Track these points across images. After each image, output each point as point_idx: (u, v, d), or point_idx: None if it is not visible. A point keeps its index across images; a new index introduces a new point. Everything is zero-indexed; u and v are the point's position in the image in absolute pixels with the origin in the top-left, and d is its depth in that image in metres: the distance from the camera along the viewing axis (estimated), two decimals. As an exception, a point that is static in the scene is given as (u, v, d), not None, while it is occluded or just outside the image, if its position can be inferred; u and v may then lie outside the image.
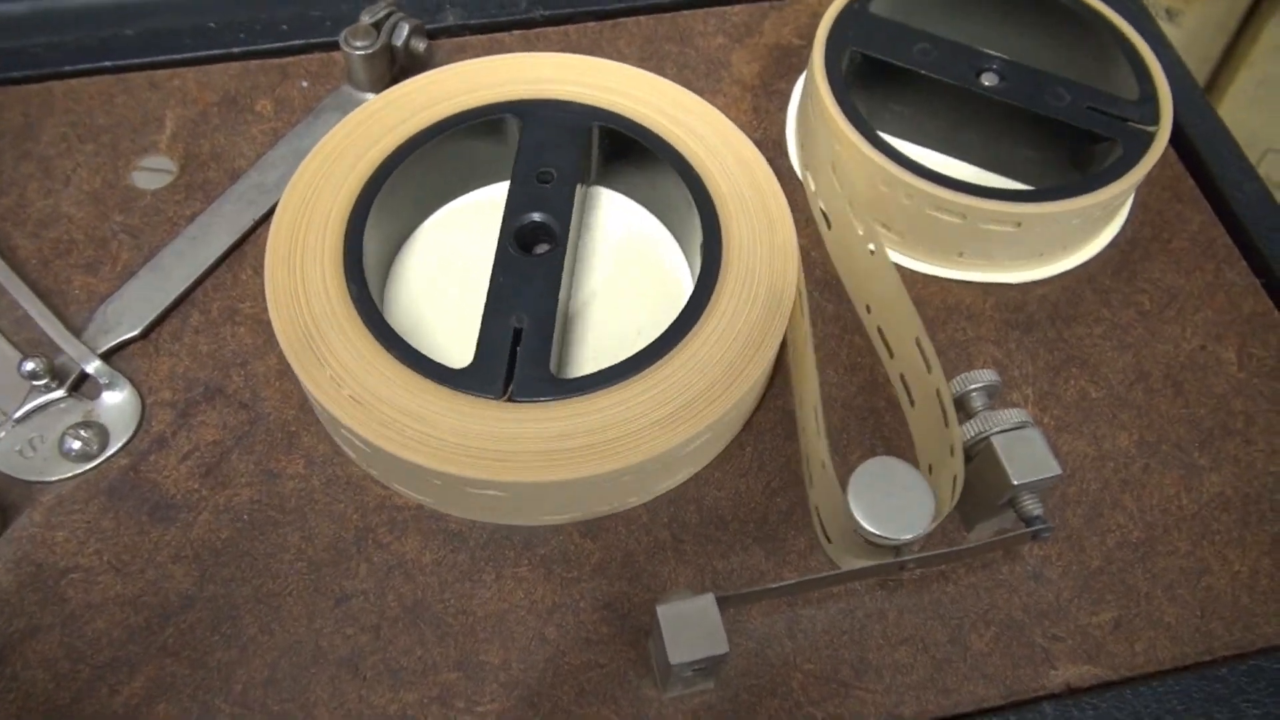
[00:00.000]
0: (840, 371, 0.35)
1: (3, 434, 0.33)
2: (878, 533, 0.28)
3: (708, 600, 0.27)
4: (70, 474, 0.32)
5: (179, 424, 0.34)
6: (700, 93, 0.42)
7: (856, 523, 0.29)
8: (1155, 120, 0.37)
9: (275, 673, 0.29)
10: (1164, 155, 0.41)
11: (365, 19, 0.40)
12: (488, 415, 0.30)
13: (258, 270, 0.37)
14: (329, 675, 0.29)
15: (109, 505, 0.32)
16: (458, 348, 0.35)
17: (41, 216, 0.38)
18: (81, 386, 0.34)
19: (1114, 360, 0.36)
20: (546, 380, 0.31)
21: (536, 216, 0.34)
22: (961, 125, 0.39)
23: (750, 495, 0.33)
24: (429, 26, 0.43)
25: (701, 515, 0.33)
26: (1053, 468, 0.29)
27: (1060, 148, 0.38)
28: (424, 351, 0.32)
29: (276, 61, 0.42)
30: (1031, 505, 0.30)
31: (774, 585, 0.28)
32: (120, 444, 0.33)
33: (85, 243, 0.37)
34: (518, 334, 0.32)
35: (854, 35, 0.39)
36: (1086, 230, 0.38)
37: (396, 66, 0.42)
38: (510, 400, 0.31)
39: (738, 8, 0.45)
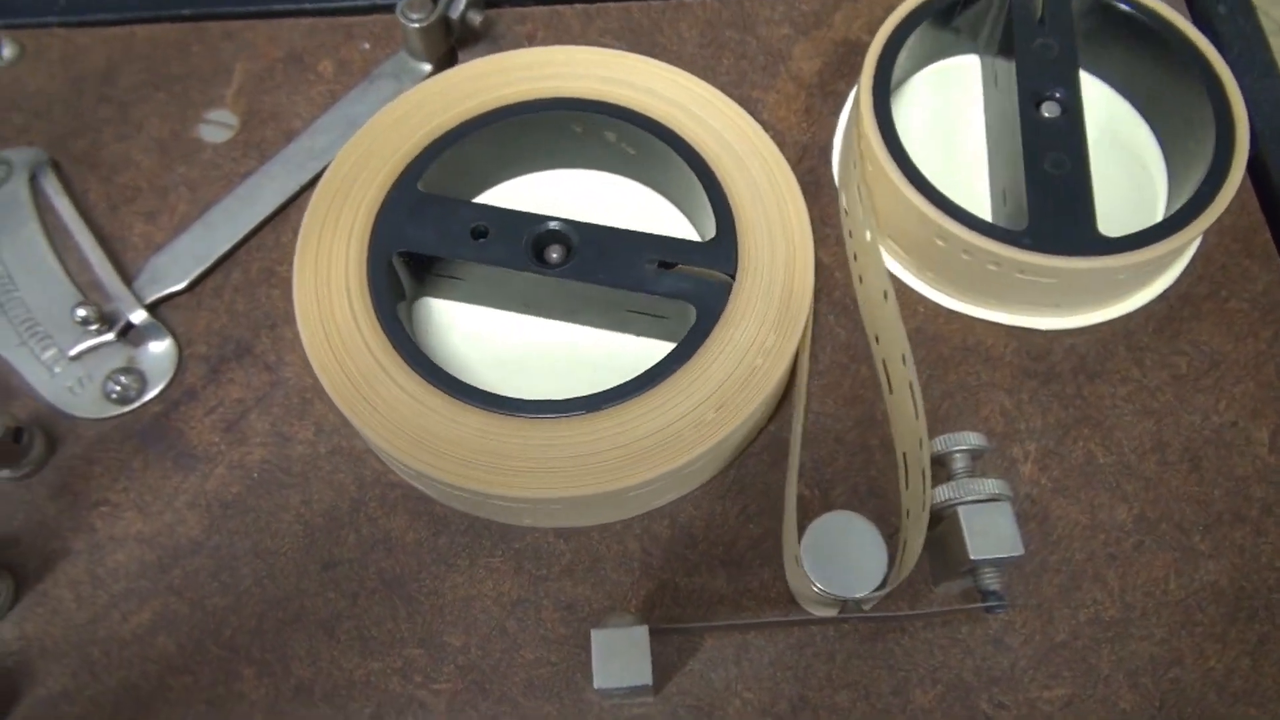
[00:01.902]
0: (839, 403, 0.35)
1: (59, 370, 0.36)
2: (821, 587, 0.29)
3: (641, 631, 0.28)
4: (110, 415, 0.36)
5: (209, 378, 0.36)
6: (753, 87, 0.41)
7: (804, 573, 0.29)
8: (1226, 166, 0.34)
9: (262, 624, 0.32)
10: (1239, 200, 0.38)
11: (426, -12, 0.40)
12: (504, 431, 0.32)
13: (296, 234, 0.39)
14: (307, 634, 0.32)
15: (140, 448, 0.35)
16: (479, 357, 0.36)
17: (114, 161, 0.41)
18: (129, 334, 0.37)
19: (1132, 425, 0.35)
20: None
21: (554, 225, 0.35)
22: (997, 139, 0.38)
23: (725, 518, 0.34)
24: (492, -6, 0.43)
25: (674, 531, 0.33)
26: (1014, 548, 0.29)
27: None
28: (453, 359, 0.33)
29: (344, 20, 0.43)
30: (990, 580, 0.29)
31: (711, 624, 0.29)
32: (156, 391, 0.36)
33: (149, 191, 0.40)
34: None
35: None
36: (1134, 282, 0.36)
37: (454, 37, 0.42)
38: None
39: (811, -6, 0.44)
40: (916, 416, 0.32)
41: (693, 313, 0.33)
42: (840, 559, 0.29)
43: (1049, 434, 0.35)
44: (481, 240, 0.34)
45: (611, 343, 0.36)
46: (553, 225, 0.35)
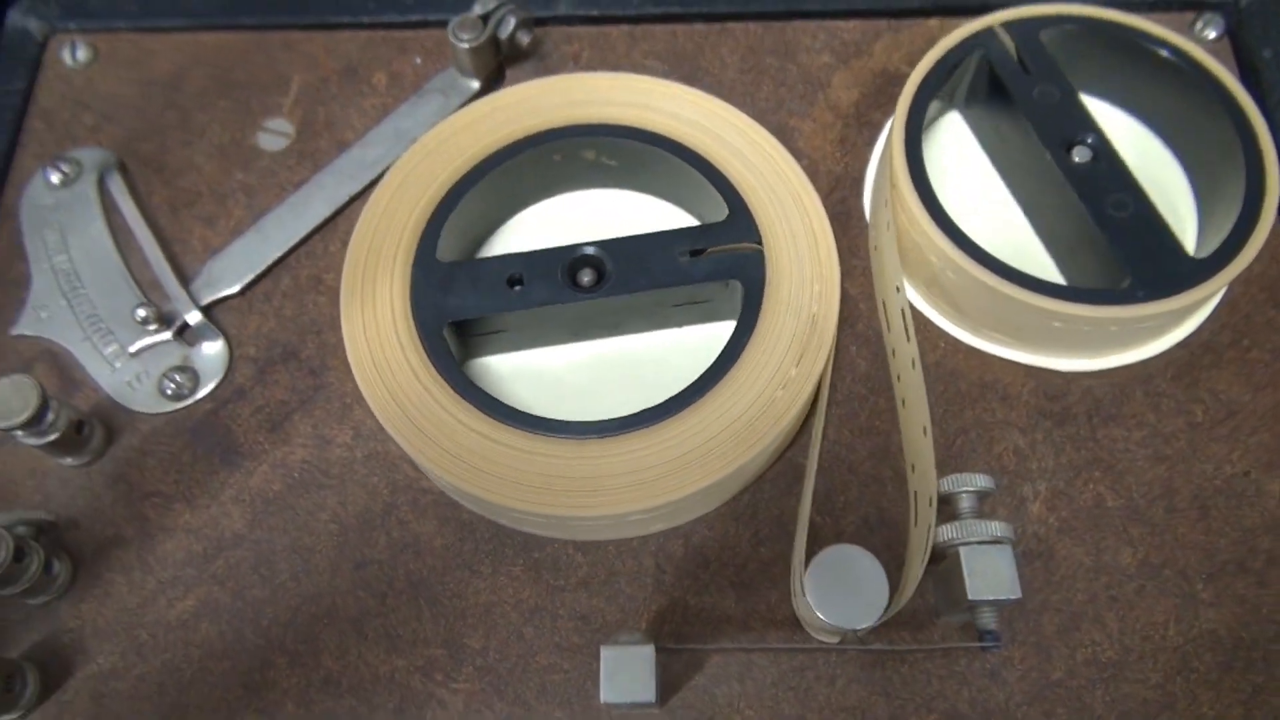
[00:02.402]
0: (855, 433, 0.36)
1: (119, 365, 0.39)
2: (823, 616, 0.30)
3: (648, 651, 0.30)
4: (164, 410, 0.38)
5: (257, 379, 0.38)
6: (790, 115, 0.42)
7: (807, 603, 0.30)
8: (1256, 215, 0.35)
9: (296, 616, 0.35)
10: (1269, 249, 0.38)
11: (477, 9, 0.42)
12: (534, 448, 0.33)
13: (344, 244, 0.41)
14: (338, 629, 0.34)
15: (190, 443, 0.37)
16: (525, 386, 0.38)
17: (177, 165, 0.43)
18: (184, 333, 0.39)
19: (1144, 471, 0.35)
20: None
21: (586, 250, 0.36)
22: (1037, 192, 0.38)
23: (737, 541, 0.35)
24: (541, 14, 0.45)
25: (687, 551, 0.35)
26: (1012, 591, 0.30)
27: (1089, 252, 0.36)
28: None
29: (398, 34, 0.45)
30: (987, 618, 0.30)
31: (717, 646, 0.31)
32: (208, 389, 0.38)
33: (208, 196, 0.42)
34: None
35: (996, 41, 0.38)
36: (1156, 329, 0.36)
37: (502, 55, 0.43)
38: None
39: (852, 24, 0.44)
40: (922, 462, 0.33)
41: (739, 287, 0.35)
42: (843, 590, 0.30)
43: (1060, 474, 0.35)
44: (519, 287, 0.36)
45: (654, 343, 0.38)
46: (585, 251, 0.36)
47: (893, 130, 0.37)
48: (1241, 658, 0.33)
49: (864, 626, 0.30)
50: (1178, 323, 0.37)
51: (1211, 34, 0.43)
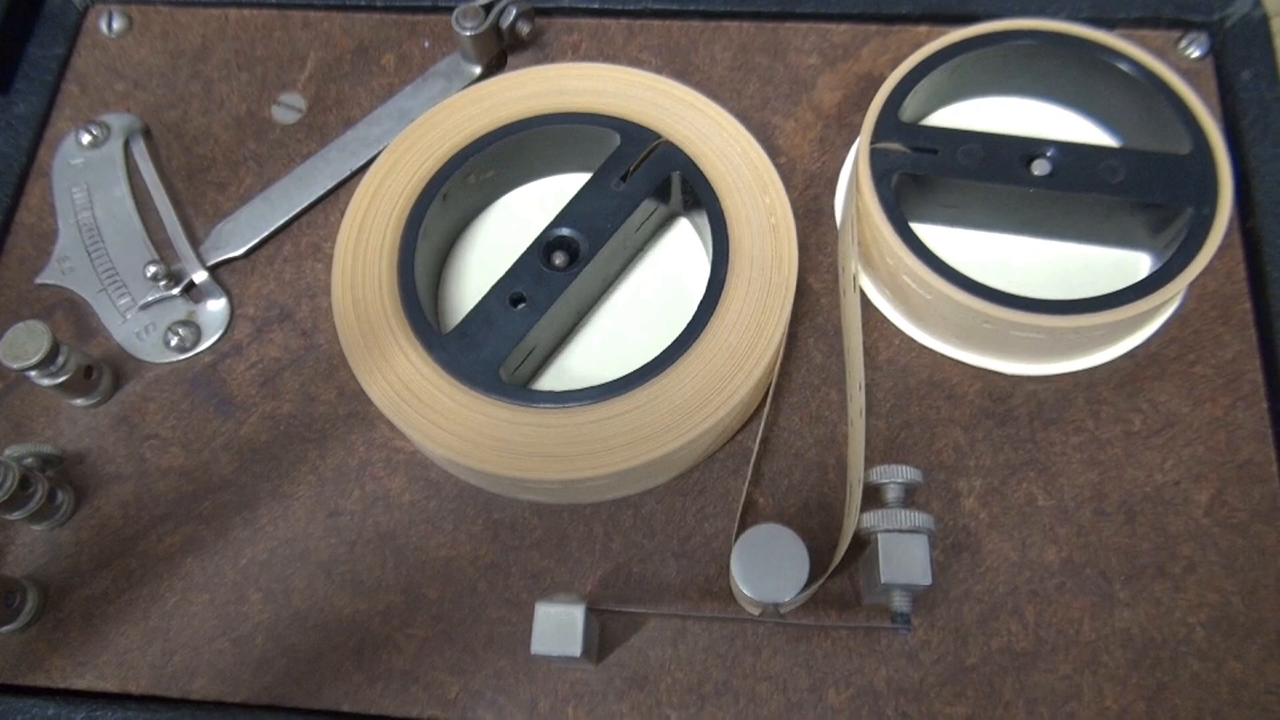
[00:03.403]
0: (804, 421, 0.38)
1: (130, 316, 0.42)
2: (746, 591, 0.32)
3: (579, 610, 0.32)
4: (167, 360, 0.41)
5: (254, 337, 0.41)
6: (774, 113, 0.44)
7: (732, 577, 0.32)
8: (1205, 231, 0.36)
9: (272, 557, 0.38)
10: (1226, 268, 0.39)
11: (480, -2, 0.44)
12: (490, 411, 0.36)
13: (344, 214, 0.43)
14: (309, 571, 0.37)
15: (189, 392, 0.41)
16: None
17: (196, 133, 0.46)
18: (191, 291, 0.42)
19: (1076, 474, 0.37)
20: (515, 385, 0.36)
21: (570, 232, 0.38)
22: (1014, 211, 0.39)
23: (684, 515, 0.37)
24: (544, 4, 0.47)
25: (636, 521, 0.37)
26: (923, 577, 0.31)
27: (1122, 220, 0.38)
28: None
29: (409, 17, 0.47)
30: (900, 601, 0.32)
31: (651, 611, 0.33)
32: (208, 344, 0.41)
33: (222, 163, 0.45)
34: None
35: (894, 159, 0.38)
36: (1105, 338, 0.37)
37: (504, 43, 0.46)
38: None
39: (843, 27, 0.46)
40: (860, 445, 0.35)
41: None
42: (766, 567, 0.32)
43: (996, 472, 0.37)
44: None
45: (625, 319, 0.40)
46: (561, 232, 0.38)
47: (861, 136, 0.39)
48: (1150, 656, 0.34)
49: (782, 601, 0.32)
50: (1127, 333, 0.38)
51: (1195, 53, 0.43)
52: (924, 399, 0.38)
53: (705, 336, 0.36)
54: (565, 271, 0.38)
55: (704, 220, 0.39)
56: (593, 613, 0.34)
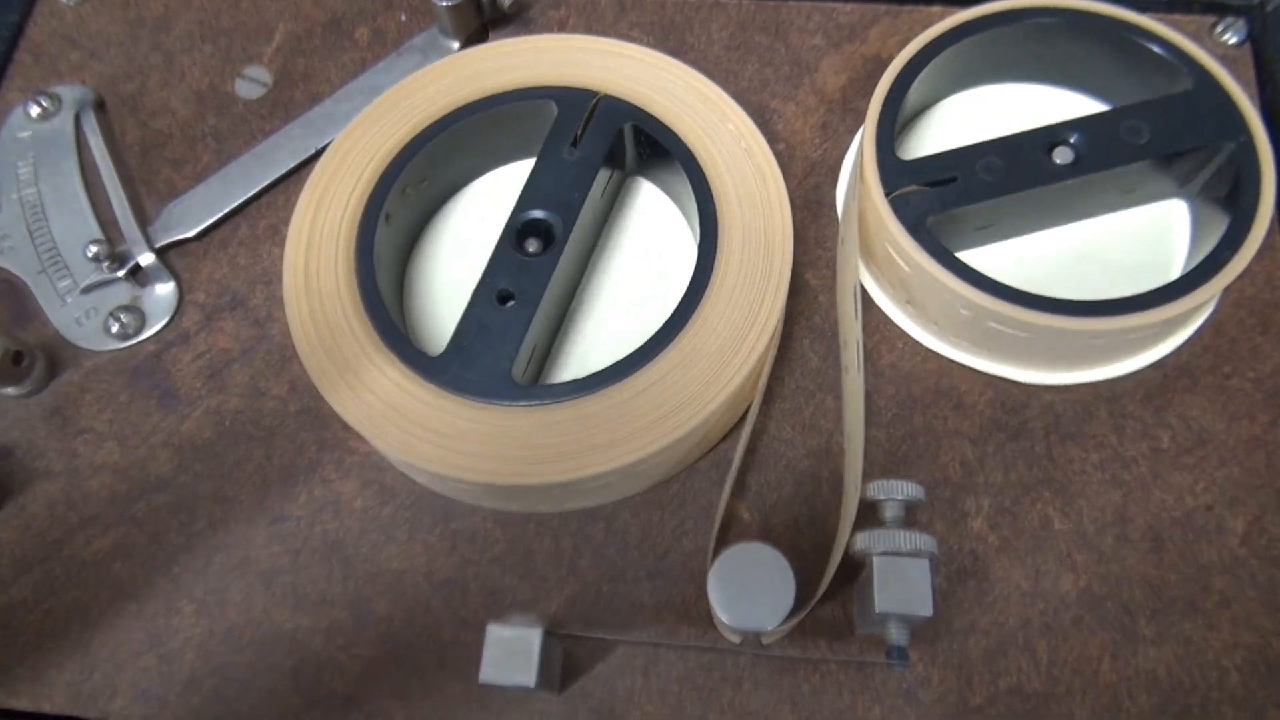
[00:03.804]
0: (796, 429, 0.35)
1: (70, 300, 0.39)
2: (724, 618, 0.29)
3: (534, 634, 0.29)
4: (108, 348, 0.38)
5: (203, 325, 0.38)
6: (773, 96, 0.40)
7: (709, 601, 0.29)
8: (1245, 231, 0.32)
9: (208, 566, 0.34)
10: (1265, 273, 0.35)
11: (459, -33, 0.41)
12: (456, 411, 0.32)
13: (305, 197, 0.40)
14: (247, 582, 0.34)
15: (129, 383, 0.37)
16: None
17: (154, 107, 0.43)
18: (137, 274, 0.39)
19: (1097, 495, 0.33)
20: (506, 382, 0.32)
21: (538, 213, 0.35)
22: (1046, 207, 0.36)
23: (660, 530, 0.34)
24: (531, -23, 0.43)
25: (607, 535, 0.34)
26: (923, 608, 0.28)
27: (1156, 177, 0.35)
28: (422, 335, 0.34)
29: (386, -11, 0.44)
30: (897, 633, 0.29)
31: (612, 636, 0.30)
32: (153, 331, 0.38)
33: (179, 139, 0.42)
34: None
35: (918, 202, 0.34)
36: (1132, 345, 0.34)
37: (485, 17, 0.42)
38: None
39: (850, 6, 0.42)
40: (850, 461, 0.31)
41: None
42: (748, 590, 0.29)
43: (1007, 491, 0.33)
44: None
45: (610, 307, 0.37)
46: (534, 215, 0.35)
47: (867, 120, 0.35)
48: (1178, 702, 0.30)
49: (764, 630, 0.28)
50: (1156, 340, 0.34)
51: (1233, 39, 0.40)
52: (929, 408, 0.35)
53: (689, 327, 0.33)
54: (545, 255, 0.34)
55: (679, 178, 0.36)
56: (555, 637, 0.30)
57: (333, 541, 0.34)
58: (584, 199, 0.35)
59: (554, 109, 0.36)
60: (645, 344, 0.33)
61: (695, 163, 0.35)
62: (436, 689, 0.32)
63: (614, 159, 0.37)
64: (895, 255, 0.34)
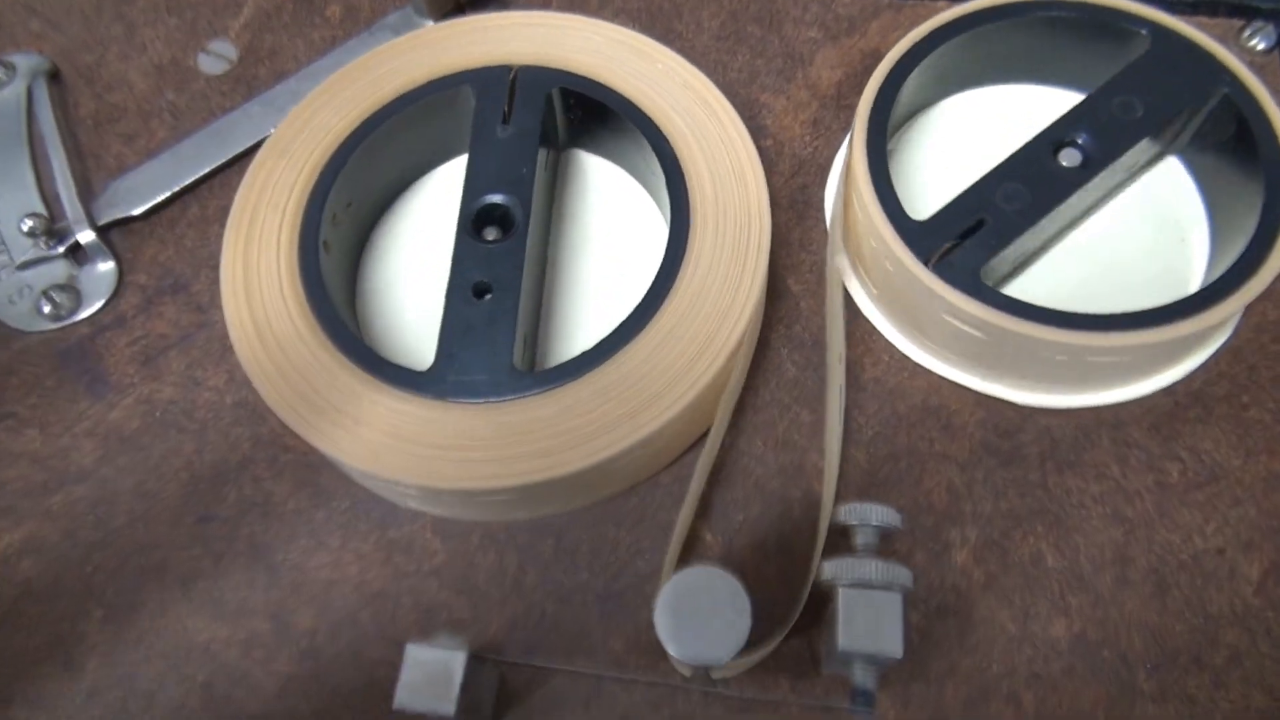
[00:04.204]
0: (769, 445, 0.32)
1: (4, 277, 0.36)
2: (670, 648, 0.26)
3: (457, 658, 0.26)
4: (39, 329, 0.35)
5: (141, 308, 0.36)
6: (762, 90, 0.38)
7: (655, 629, 0.26)
8: (1269, 244, 0.29)
9: (124, 566, 0.32)
10: (1290, 298, 0.32)
11: (435, -58, 0.39)
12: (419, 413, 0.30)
13: (260, 178, 0.38)
14: (163, 586, 0.31)
15: (58, 367, 0.35)
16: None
17: (110, 79, 0.40)
18: (76, 253, 0.37)
19: (1097, 531, 0.30)
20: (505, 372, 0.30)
21: (493, 198, 0.32)
22: (1067, 214, 0.33)
23: (615, 547, 0.31)
24: (513, -42, 0.41)
25: (556, 551, 0.31)
26: (891, 647, 0.25)
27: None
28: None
29: (362, -34, 0.42)
30: (863, 675, 0.26)
31: (550, 665, 0.27)
32: (88, 313, 0.36)
33: (134, 114, 0.40)
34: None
35: (960, 260, 0.31)
36: (1139, 367, 0.31)
37: (462, -4, 0.40)
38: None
39: (850, -1, 0.40)
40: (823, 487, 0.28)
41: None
42: (699, 620, 0.26)
43: (997, 522, 0.30)
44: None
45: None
46: (493, 199, 0.32)
47: (856, 119, 0.33)
48: (1178, 768, 0.27)
49: (714, 664, 0.25)
50: (1167, 363, 0.31)
51: (1261, 45, 0.37)
52: (914, 428, 0.32)
53: (659, 315, 0.30)
54: (509, 239, 0.32)
55: (629, 142, 0.34)
56: (486, 663, 0.27)
57: (259, 545, 0.32)
58: (533, 173, 0.32)
59: (470, 94, 0.34)
60: (606, 339, 0.30)
61: (635, 108, 0.33)
62: (358, 713, 0.29)
63: (550, 130, 0.35)
64: (955, 320, 0.30)
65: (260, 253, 0.32)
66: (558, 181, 0.36)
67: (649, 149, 0.33)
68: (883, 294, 0.33)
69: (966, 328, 0.30)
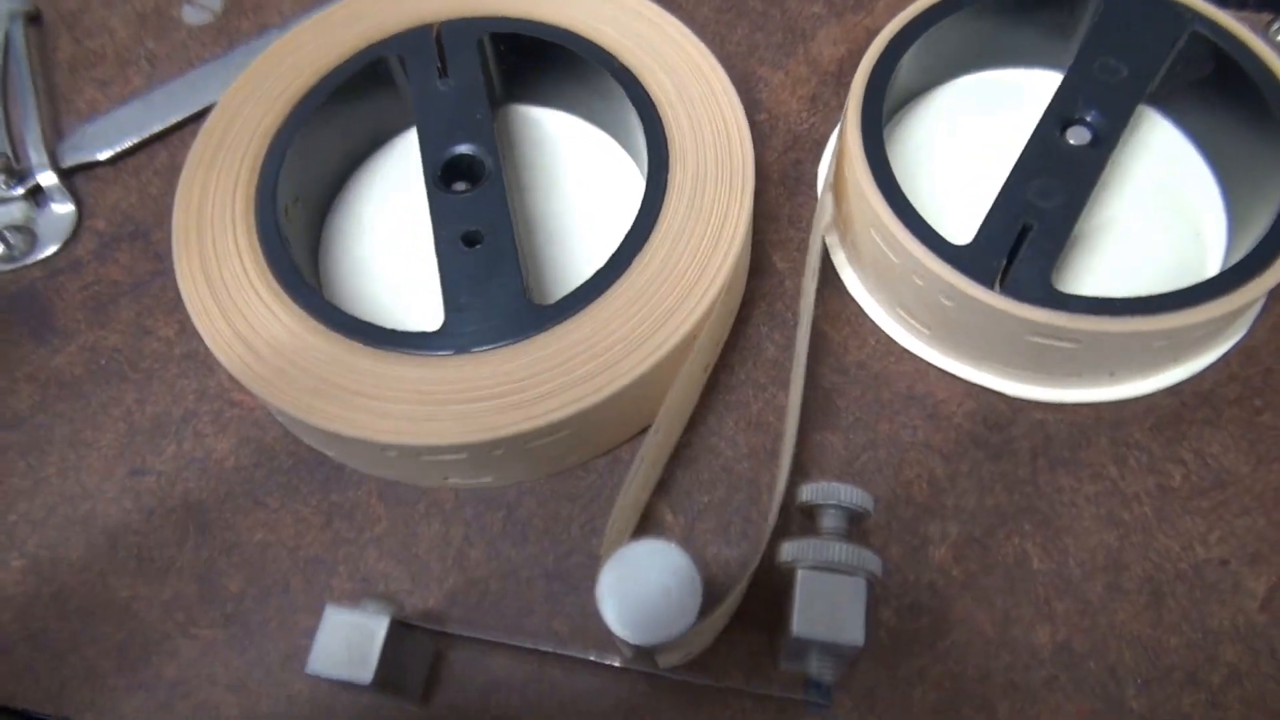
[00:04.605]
0: (740, 426, 0.30)
1: (-39, 215, 0.35)
2: (610, 624, 0.23)
3: (379, 623, 0.24)
4: (-10, 269, 0.34)
5: (97, 254, 0.34)
6: (760, 63, 0.36)
7: (597, 602, 0.24)
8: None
9: (49, 517, 0.30)
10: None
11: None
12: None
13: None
14: (88, 540, 0.29)
15: (6, 309, 0.33)
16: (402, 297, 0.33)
17: (92, 25, 0.39)
18: (38, 195, 0.35)
19: (1089, 534, 0.28)
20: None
21: (460, 149, 0.31)
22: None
23: (568, 523, 0.29)
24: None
25: (506, 524, 0.29)
26: (851, 635, 0.23)
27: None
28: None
29: (358, -74, 0.41)
30: (820, 666, 0.23)
31: (479, 635, 0.25)
32: (42, 255, 0.34)
33: (112, 60, 0.38)
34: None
35: (1022, 277, 0.28)
36: (1146, 360, 0.29)
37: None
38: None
39: (858, -24, 0.38)
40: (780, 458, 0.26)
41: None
42: (641, 596, 0.24)
43: (980, 518, 0.28)
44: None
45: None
46: (460, 149, 0.31)
47: (850, 97, 0.31)
48: (1167, 794, 0.25)
49: (657, 644, 0.23)
50: (1174, 360, 0.29)
51: None
52: (897, 415, 0.30)
53: (633, 267, 0.28)
54: (483, 185, 0.30)
55: (593, 83, 0.32)
56: (417, 631, 0.25)
57: (193, 502, 0.30)
58: (489, 118, 0.31)
59: (397, 63, 0.32)
60: (574, 292, 0.28)
61: (587, 41, 0.32)
62: (283, 685, 0.27)
63: (491, 78, 0.34)
64: (1042, 339, 0.27)
65: (214, 207, 0.30)
66: (508, 131, 0.35)
67: (609, 81, 0.31)
68: (874, 271, 0.31)
69: (1058, 342, 0.27)
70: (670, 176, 0.29)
